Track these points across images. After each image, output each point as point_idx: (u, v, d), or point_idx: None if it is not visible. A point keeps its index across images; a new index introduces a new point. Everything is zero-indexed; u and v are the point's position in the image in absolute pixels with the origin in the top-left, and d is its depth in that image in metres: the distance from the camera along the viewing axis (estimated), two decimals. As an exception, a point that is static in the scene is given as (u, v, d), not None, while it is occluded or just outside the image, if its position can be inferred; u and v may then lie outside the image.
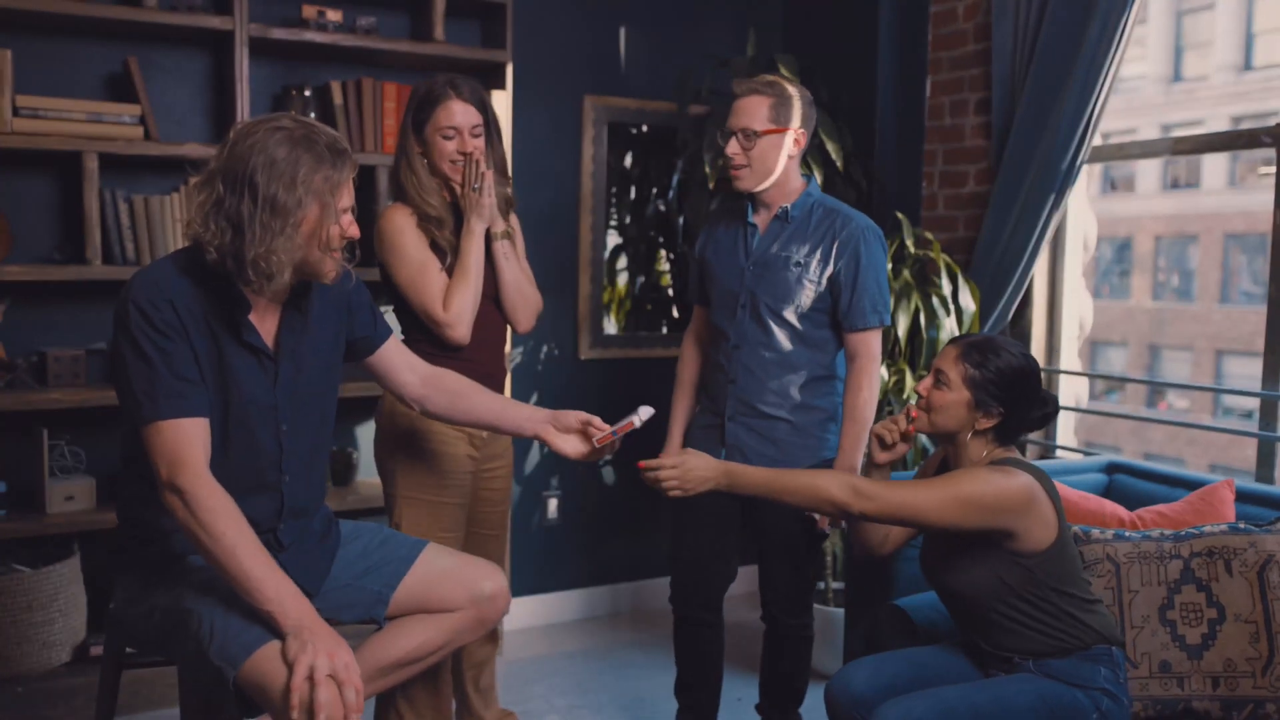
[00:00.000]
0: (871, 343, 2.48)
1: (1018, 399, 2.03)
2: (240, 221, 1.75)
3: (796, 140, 2.46)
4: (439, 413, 2.20)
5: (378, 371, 2.17)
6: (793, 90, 2.46)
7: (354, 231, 1.87)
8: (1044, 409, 2.09)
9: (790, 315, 2.48)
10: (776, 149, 2.44)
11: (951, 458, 2.12)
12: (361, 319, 2.09)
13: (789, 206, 2.50)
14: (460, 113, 2.41)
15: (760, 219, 2.54)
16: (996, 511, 1.93)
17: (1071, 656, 1.98)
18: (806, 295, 2.47)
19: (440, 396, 2.18)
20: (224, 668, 1.73)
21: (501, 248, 2.49)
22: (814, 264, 2.46)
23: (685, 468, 2.03)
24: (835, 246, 2.46)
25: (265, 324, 1.90)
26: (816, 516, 2.48)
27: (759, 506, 2.56)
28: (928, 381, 2.08)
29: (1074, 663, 1.97)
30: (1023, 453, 2.91)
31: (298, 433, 1.96)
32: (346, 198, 1.85)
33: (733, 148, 2.46)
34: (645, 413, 1.87)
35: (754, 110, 2.43)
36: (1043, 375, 3.41)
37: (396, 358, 2.16)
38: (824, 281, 2.46)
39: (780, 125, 2.43)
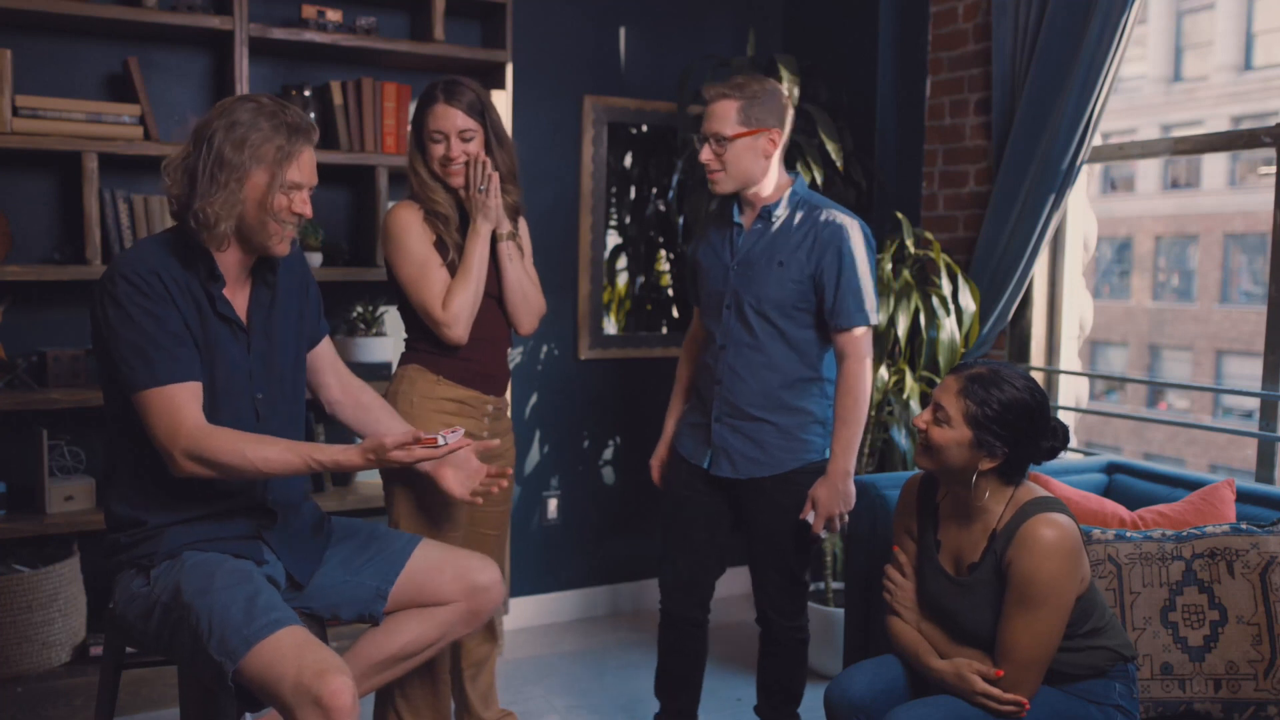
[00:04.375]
0: (859, 342, 2.44)
1: (1023, 436, 1.92)
2: (195, 173, 1.87)
3: (771, 139, 2.42)
4: (346, 422, 2.27)
5: (310, 366, 2.22)
6: (764, 89, 2.41)
7: (304, 209, 1.95)
8: (1052, 441, 1.97)
9: (774, 315, 2.45)
10: (750, 151, 2.41)
11: (951, 493, 2.03)
12: (312, 309, 2.17)
13: (771, 206, 2.48)
14: (447, 117, 2.40)
15: (746, 219, 2.52)
16: (1082, 579, 1.90)
17: (1090, 679, 1.96)
18: (790, 294, 2.44)
19: (350, 407, 2.25)
20: (224, 662, 1.74)
21: (506, 249, 2.49)
22: (797, 263, 2.43)
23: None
24: (818, 244, 2.42)
25: (237, 299, 1.99)
26: (810, 519, 2.46)
27: (749, 507, 2.55)
28: (926, 414, 1.99)
29: (1091, 681, 1.96)
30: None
31: (272, 402, 2.03)
32: (299, 174, 1.93)
33: (706, 154, 2.43)
34: (453, 436, 1.87)
35: (723, 114, 2.39)
36: (1043, 376, 3.40)
37: (327, 356, 2.24)
38: (807, 280, 2.43)
39: (751, 127, 2.39)
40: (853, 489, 2.46)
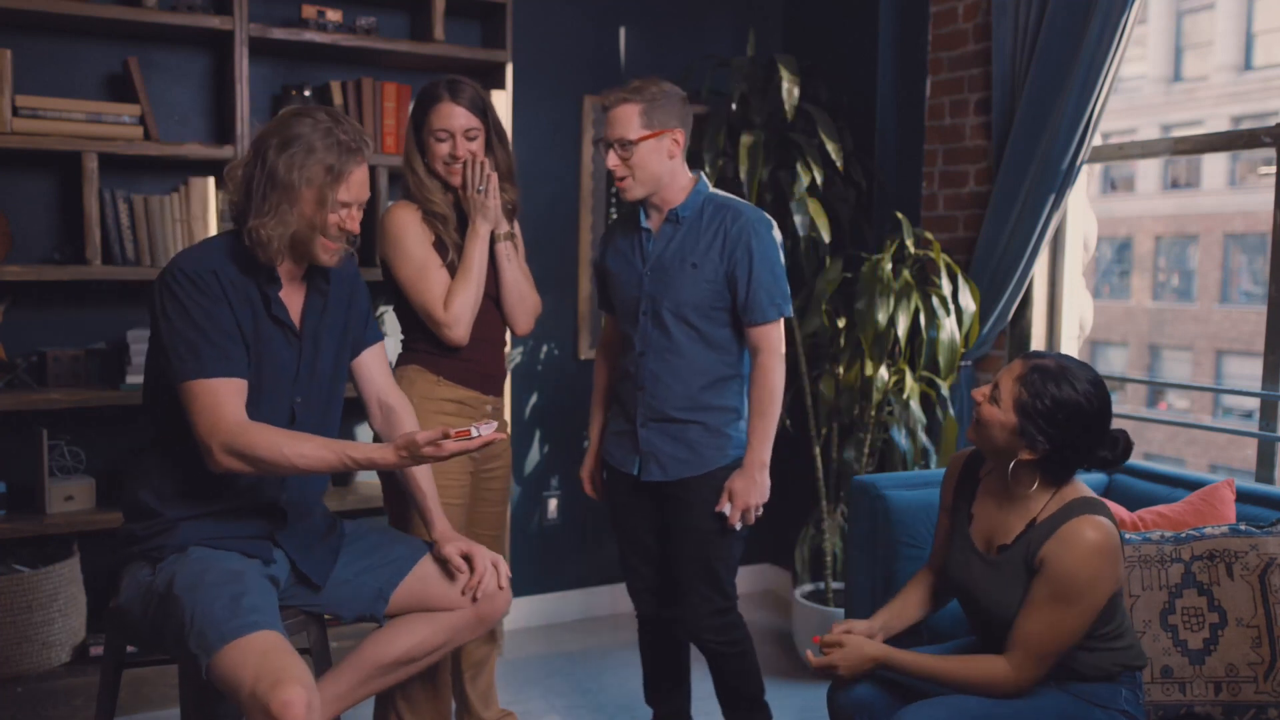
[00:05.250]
0: (771, 336, 2.45)
1: (1071, 438, 1.87)
2: (250, 187, 1.91)
3: (675, 140, 2.42)
4: (376, 431, 2.27)
5: (355, 374, 2.23)
6: (663, 91, 2.41)
7: (352, 226, 1.98)
8: (1111, 451, 1.91)
9: (692, 317, 2.45)
10: (655, 154, 2.40)
11: (995, 472, 2.02)
12: (358, 316, 2.18)
13: (679, 208, 2.47)
14: (453, 116, 2.40)
15: (653, 222, 2.51)
16: (1119, 583, 1.89)
17: (1098, 682, 1.95)
18: (706, 295, 2.44)
19: (380, 421, 2.24)
20: (199, 655, 1.75)
21: (504, 249, 2.49)
22: (710, 263, 2.43)
23: (847, 651, 1.99)
24: (728, 242, 2.43)
25: (291, 302, 2.02)
26: (726, 511, 2.44)
27: (674, 507, 2.53)
28: (985, 389, 1.96)
29: (1098, 685, 1.95)
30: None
31: (309, 408, 2.06)
32: (348, 193, 1.95)
33: (612, 160, 2.42)
34: (486, 428, 1.87)
35: (626, 119, 2.38)
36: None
37: (375, 365, 2.23)
38: (721, 280, 2.44)
39: (654, 129, 2.38)
40: (768, 480, 2.46)
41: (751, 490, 2.43)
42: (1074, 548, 1.85)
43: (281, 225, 1.90)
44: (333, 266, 2.03)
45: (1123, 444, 1.93)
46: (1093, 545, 1.84)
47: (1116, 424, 1.97)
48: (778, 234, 2.49)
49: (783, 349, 2.47)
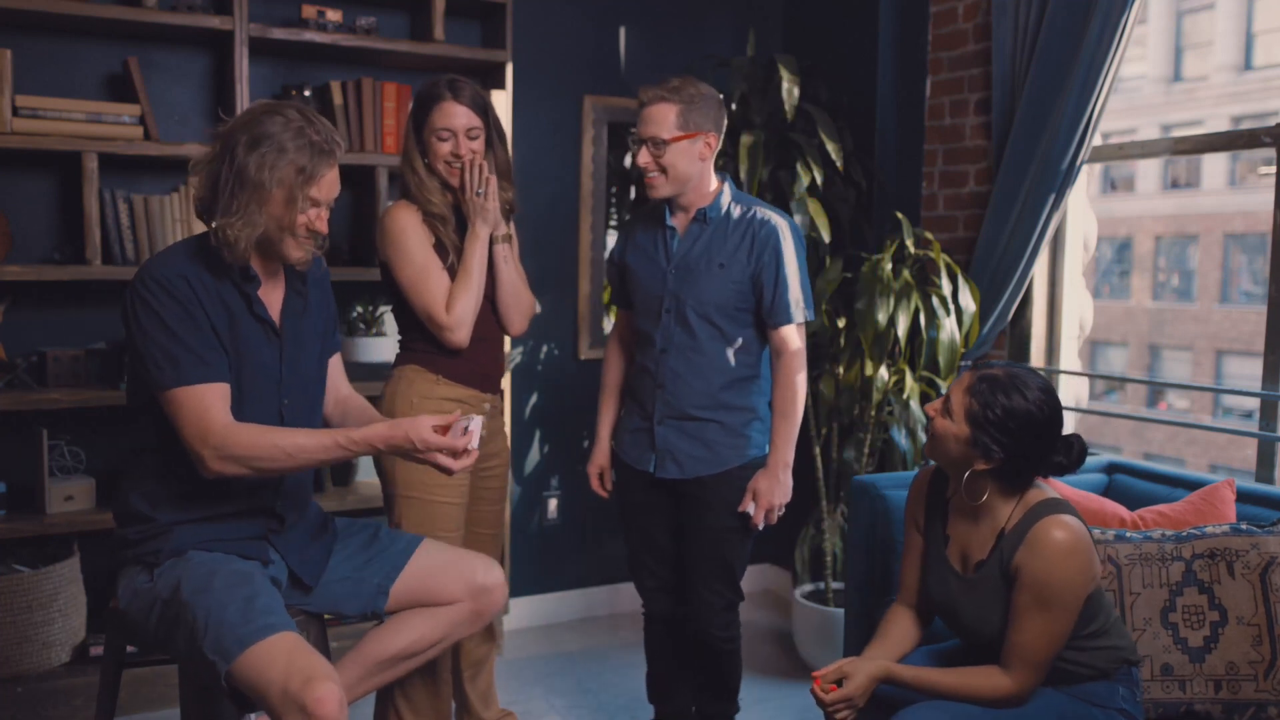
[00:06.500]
0: (794, 338, 2.47)
1: (1024, 446, 1.88)
2: (217, 185, 1.87)
3: (707, 143, 2.43)
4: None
5: None
6: (701, 93, 2.41)
7: (321, 226, 1.95)
8: (1065, 455, 1.92)
9: (715, 316, 2.46)
10: (687, 155, 2.41)
11: (953, 489, 2.03)
12: (332, 320, 2.19)
13: (707, 208, 2.48)
14: (456, 115, 2.41)
15: (678, 221, 2.52)
16: (1092, 578, 1.89)
17: (1094, 681, 1.95)
18: (731, 296, 2.45)
19: (339, 416, 2.24)
20: (217, 661, 1.75)
21: (502, 250, 2.50)
22: (738, 264, 2.45)
23: (857, 680, 1.94)
24: (756, 244, 2.44)
25: (269, 301, 2.00)
26: (750, 511, 2.46)
27: (691, 505, 2.54)
28: (937, 404, 1.98)
29: (1095, 684, 1.95)
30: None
31: (296, 409, 2.04)
32: (319, 192, 1.92)
33: (643, 157, 2.43)
34: (475, 424, 1.88)
35: (661, 118, 2.39)
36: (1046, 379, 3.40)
37: (336, 371, 2.24)
38: (748, 281, 2.45)
39: (689, 131, 2.39)
40: (791, 481, 2.47)
41: (775, 490, 2.45)
42: (1044, 550, 1.85)
43: (249, 226, 1.87)
44: (301, 265, 2.00)
45: (1077, 448, 1.94)
46: (1063, 545, 1.85)
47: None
48: (794, 238, 2.50)
49: (804, 351, 2.49)
